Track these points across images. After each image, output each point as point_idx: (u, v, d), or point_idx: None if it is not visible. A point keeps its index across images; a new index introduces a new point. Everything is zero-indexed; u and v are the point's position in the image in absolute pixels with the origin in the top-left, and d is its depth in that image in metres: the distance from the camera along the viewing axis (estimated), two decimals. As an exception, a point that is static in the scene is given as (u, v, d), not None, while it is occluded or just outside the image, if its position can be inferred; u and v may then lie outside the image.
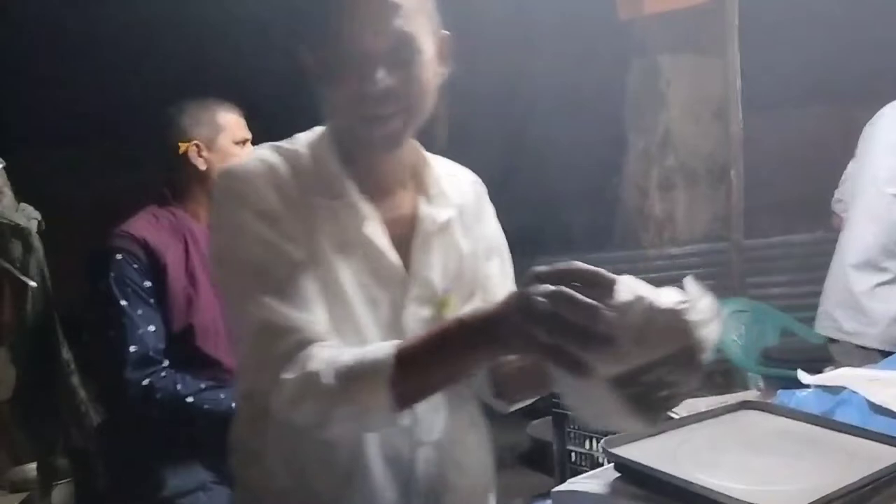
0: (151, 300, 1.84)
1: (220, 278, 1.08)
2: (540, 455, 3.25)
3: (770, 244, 4.19)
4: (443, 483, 1.14)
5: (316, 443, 1.04)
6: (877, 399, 1.33)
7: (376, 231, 1.08)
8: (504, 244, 1.27)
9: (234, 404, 1.73)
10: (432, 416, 1.12)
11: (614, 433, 0.97)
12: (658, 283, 0.83)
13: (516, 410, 1.22)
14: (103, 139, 4.04)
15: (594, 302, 0.77)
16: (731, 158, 4.01)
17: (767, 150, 4.15)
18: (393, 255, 1.09)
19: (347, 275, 1.06)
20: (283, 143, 1.12)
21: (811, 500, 0.84)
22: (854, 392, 1.37)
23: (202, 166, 1.94)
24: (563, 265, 0.82)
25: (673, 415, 1.27)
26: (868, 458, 0.94)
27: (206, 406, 1.81)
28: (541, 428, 3.37)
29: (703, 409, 1.16)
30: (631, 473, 0.96)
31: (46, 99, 3.88)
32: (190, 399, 1.81)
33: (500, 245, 1.26)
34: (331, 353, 0.96)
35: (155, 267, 1.84)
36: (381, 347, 0.94)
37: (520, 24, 4.31)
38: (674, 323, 0.78)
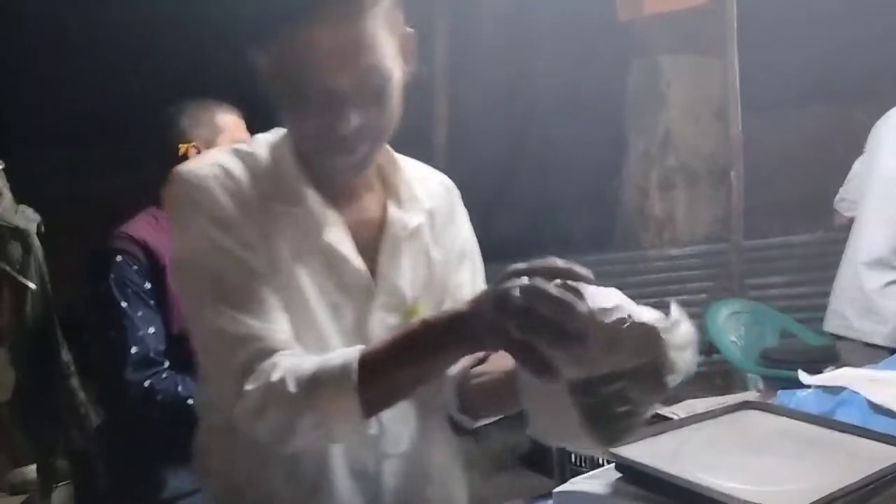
0: (151, 302, 1.83)
1: (180, 286, 1.04)
2: (540, 456, 3.25)
3: (770, 245, 4.19)
4: (411, 497, 1.11)
5: (279, 456, 1.01)
6: (877, 399, 1.33)
7: (339, 237, 1.04)
8: (476, 250, 1.23)
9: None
10: (400, 427, 1.10)
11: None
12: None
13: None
14: (103, 140, 4.04)
15: (570, 297, 0.76)
16: (731, 159, 4.01)
17: (767, 151, 4.15)
18: (357, 262, 1.05)
19: (308, 282, 1.02)
20: (242, 146, 1.08)
21: (812, 500, 0.84)
22: (854, 392, 1.37)
23: (202, 167, 1.94)
24: (539, 262, 0.82)
25: (673, 415, 1.27)
26: (868, 458, 0.95)
27: (206, 407, 1.81)
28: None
29: (702, 410, 1.16)
30: (632, 473, 0.96)
31: (46, 100, 3.87)
32: (191, 401, 1.81)
33: (471, 251, 1.22)
34: (293, 361, 0.93)
35: (155, 268, 1.84)
36: (345, 353, 0.92)
37: (520, 24, 4.30)
38: (647, 337, 0.77)
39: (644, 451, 0.97)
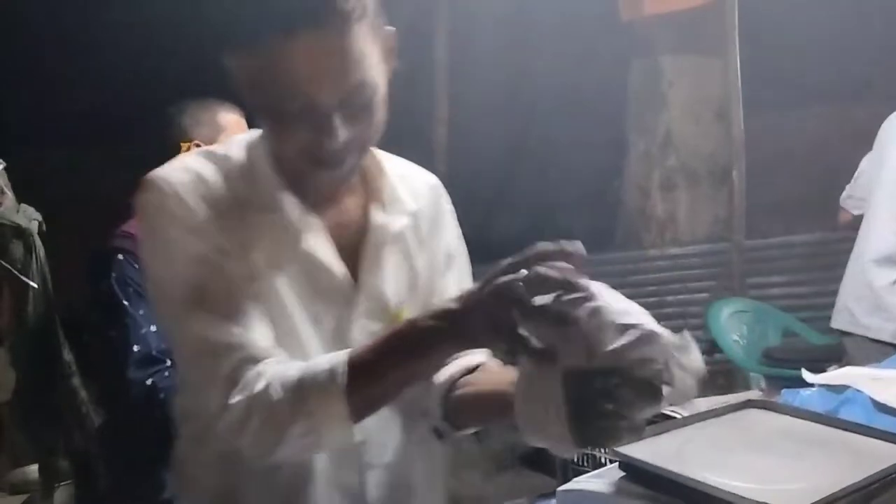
0: (153, 300, 1.83)
1: (155, 296, 1.00)
2: (541, 455, 3.24)
3: (771, 244, 4.19)
4: None
5: (260, 468, 0.99)
6: (881, 398, 1.33)
7: (318, 244, 1.01)
8: (463, 251, 1.19)
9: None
10: (383, 437, 1.07)
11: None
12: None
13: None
14: (104, 140, 4.04)
15: (571, 275, 0.78)
16: (732, 159, 4.01)
17: (768, 151, 4.15)
18: (338, 269, 1.03)
19: (287, 290, 0.99)
20: (217, 148, 1.05)
21: (816, 500, 0.84)
22: (858, 391, 1.37)
23: (203, 167, 1.94)
24: (529, 251, 0.82)
25: (676, 414, 1.27)
26: (873, 457, 0.95)
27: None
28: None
29: (705, 409, 1.15)
30: (636, 472, 0.96)
31: (47, 99, 3.88)
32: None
33: (458, 254, 1.18)
34: (278, 368, 0.91)
35: (156, 267, 1.84)
36: (332, 356, 0.90)
37: (520, 24, 4.30)
38: (655, 345, 0.77)
39: (647, 450, 0.97)
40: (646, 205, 4.32)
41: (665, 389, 0.77)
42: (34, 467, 2.41)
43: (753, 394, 2.44)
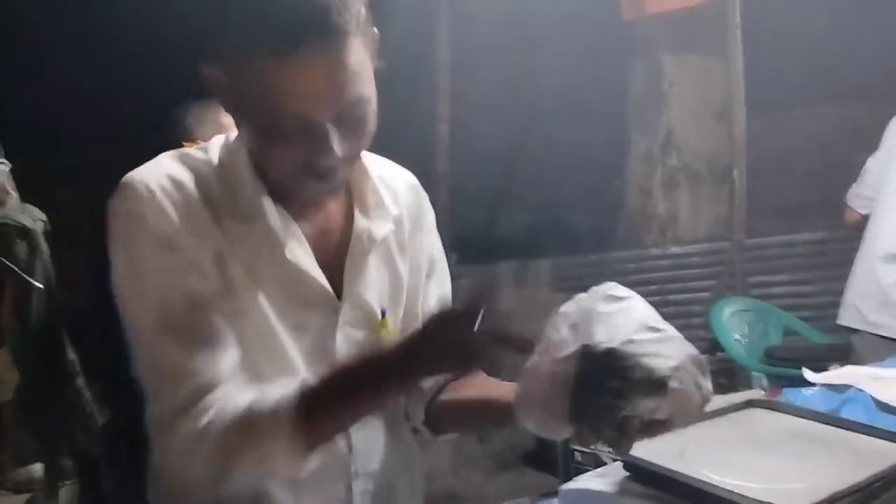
0: (156, 300, 1.84)
1: (122, 305, 0.97)
2: (543, 455, 3.25)
3: (772, 244, 4.20)
4: None
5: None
6: (882, 397, 1.33)
7: (300, 254, 0.98)
8: (442, 257, 1.18)
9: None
10: (370, 445, 1.06)
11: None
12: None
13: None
14: (107, 140, 4.04)
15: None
16: (733, 158, 4.01)
17: (770, 150, 4.15)
18: (321, 279, 1.00)
19: (269, 302, 0.97)
20: (194, 151, 1.01)
21: (818, 499, 0.84)
22: (860, 390, 1.37)
23: (206, 167, 1.94)
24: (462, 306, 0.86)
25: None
26: (874, 456, 0.95)
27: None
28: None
29: (708, 409, 1.16)
30: (639, 472, 0.97)
31: (49, 100, 3.88)
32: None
33: (439, 258, 1.17)
34: (228, 399, 0.89)
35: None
36: (283, 387, 0.88)
37: (522, 23, 4.31)
38: (677, 346, 0.79)
39: (650, 450, 0.97)
40: (647, 204, 4.33)
41: (671, 390, 0.77)
42: (38, 466, 2.41)
43: (755, 393, 2.44)
